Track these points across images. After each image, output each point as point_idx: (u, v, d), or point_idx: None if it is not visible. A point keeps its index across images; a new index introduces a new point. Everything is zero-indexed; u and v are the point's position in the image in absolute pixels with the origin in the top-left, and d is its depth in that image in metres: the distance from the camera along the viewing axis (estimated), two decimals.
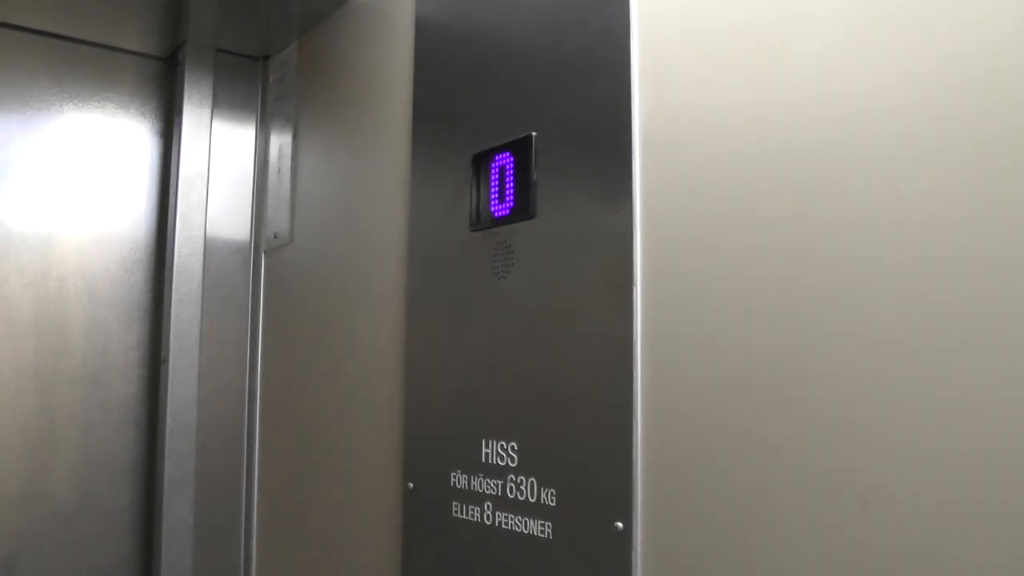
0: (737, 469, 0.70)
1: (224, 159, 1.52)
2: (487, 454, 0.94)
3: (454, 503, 0.99)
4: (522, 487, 0.90)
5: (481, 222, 0.98)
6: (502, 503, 0.92)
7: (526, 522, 0.89)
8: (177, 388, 1.39)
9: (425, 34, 1.13)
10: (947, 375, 0.57)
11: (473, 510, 0.96)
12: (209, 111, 1.47)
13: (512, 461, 0.91)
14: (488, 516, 0.94)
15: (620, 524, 0.78)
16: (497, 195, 0.96)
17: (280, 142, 1.50)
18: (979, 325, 0.56)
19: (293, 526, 1.37)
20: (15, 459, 1.34)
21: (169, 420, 1.38)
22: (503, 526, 0.91)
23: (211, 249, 1.48)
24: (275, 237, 1.48)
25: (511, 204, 0.94)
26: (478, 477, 0.95)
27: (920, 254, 0.60)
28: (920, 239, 0.60)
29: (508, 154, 0.95)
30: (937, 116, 0.59)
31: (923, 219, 0.60)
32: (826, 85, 0.66)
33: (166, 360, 1.39)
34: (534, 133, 0.92)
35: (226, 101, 1.53)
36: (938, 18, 0.60)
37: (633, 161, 0.82)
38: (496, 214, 0.96)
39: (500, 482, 0.92)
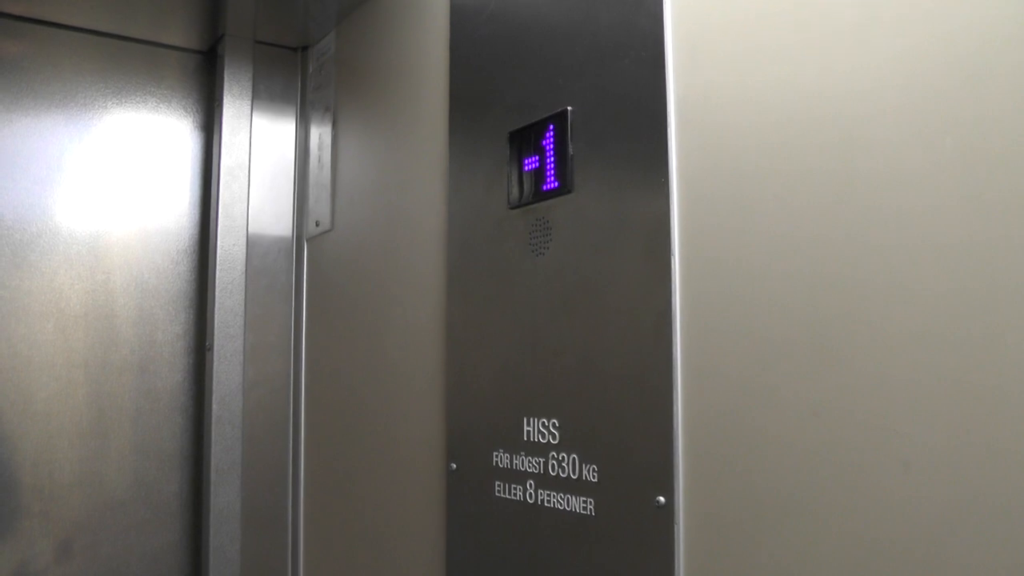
0: (778, 438, 0.69)
1: (265, 149, 1.53)
2: (528, 432, 0.94)
3: (497, 482, 0.98)
4: (564, 464, 0.89)
5: (519, 198, 0.98)
6: (544, 481, 0.91)
7: (568, 499, 0.88)
8: (222, 376, 1.41)
9: (459, 15, 1.13)
10: (988, 335, 0.56)
11: (516, 489, 0.95)
12: (249, 103, 1.48)
13: (553, 438, 0.91)
14: (531, 495, 0.93)
15: (662, 498, 0.77)
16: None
17: (320, 131, 1.51)
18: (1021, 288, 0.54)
19: (338, 509, 1.38)
20: (68, 447, 1.37)
21: (215, 408, 1.40)
22: (545, 504, 0.91)
23: (253, 238, 1.50)
24: (316, 225, 1.49)
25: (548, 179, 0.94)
26: (520, 455, 0.95)
27: (962, 206, 0.58)
28: (959, 196, 0.58)
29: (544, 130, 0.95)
30: (982, 82, 0.58)
31: (958, 181, 0.58)
32: (864, 55, 0.65)
33: (211, 348, 1.41)
34: (570, 108, 0.92)
35: (266, 92, 1.54)
36: None
37: (669, 132, 0.81)
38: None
39: (542, 460, 0.92)
